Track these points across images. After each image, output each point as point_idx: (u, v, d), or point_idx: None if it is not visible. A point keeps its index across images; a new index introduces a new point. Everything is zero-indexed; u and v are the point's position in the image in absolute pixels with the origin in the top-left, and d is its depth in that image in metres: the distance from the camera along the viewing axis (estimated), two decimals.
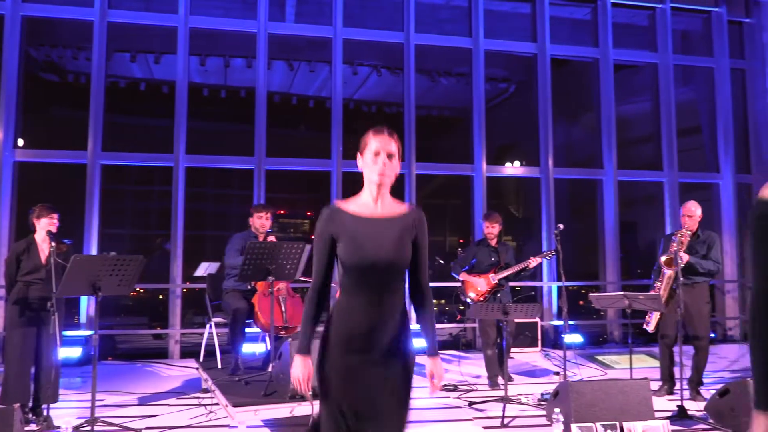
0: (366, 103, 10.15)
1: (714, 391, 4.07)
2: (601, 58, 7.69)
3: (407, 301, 2.09)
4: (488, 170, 7.31)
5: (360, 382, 1.91)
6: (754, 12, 8.02)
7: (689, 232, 4.65)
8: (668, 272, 4.63)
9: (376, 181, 1.98)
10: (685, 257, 4.54)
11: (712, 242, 4.75)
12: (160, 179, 11.43)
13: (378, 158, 1.97)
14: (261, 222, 4.82)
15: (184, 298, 6.67)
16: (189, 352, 6.43)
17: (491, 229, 5.27)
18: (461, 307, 7.50)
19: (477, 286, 5.21)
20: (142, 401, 4.56)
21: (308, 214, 13.19)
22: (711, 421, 3.96)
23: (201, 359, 5.10)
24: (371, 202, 2.01)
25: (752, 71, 8.03)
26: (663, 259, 4.68)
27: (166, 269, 6.58)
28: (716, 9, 7.94)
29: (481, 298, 5.17)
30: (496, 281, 5.17)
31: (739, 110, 8.03)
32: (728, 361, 6.33)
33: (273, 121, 7.10)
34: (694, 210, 4.70)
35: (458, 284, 5.42)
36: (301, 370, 1.96)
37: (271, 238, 4.80)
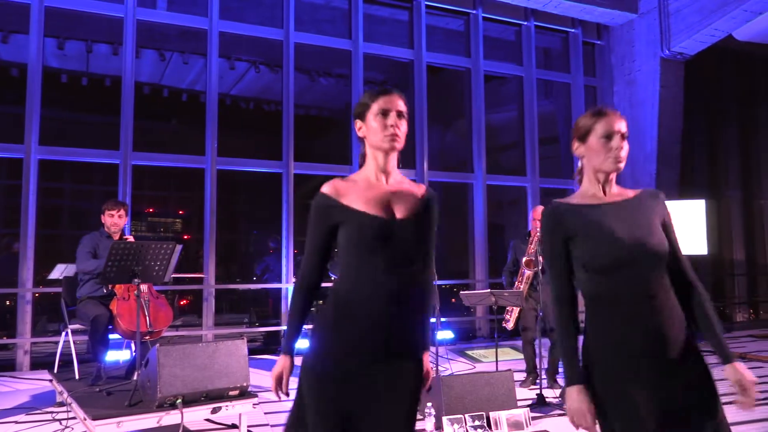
0: (243, 100, 9.87)
1: None
2: (473, 68, 8.12)
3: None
4: None
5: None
6: (604, 35, 8.90)
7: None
8: (528, 272, 5.02)
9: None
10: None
11: None
12: (7, 172, 10.30)
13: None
14: (113, 220, 4.52)
15: (36, 304, 6.06)
16: (41, 363, 5.85)
17: None
18: None
19: None
20: None
21: (180, 212, 12.57)
22: (566, 406, 4.32)
23: (55, 370, 4.66)
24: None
25: (602, 89, 8.90)
26: (524, 260, 5.06)
27: (14, 272, 5.94)
28: (573, 30, 8.70)
29: None
30: None
31: None
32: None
33: (141, 114, 6.67)
34: None
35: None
36: (579, 403, 1.71)
37: (129, 238, 4.52)
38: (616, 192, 1.76)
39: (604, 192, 1.75)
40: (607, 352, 1.67)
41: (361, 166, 1.83)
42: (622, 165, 1.72)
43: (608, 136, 1.70)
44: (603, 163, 1.72)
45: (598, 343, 1.69)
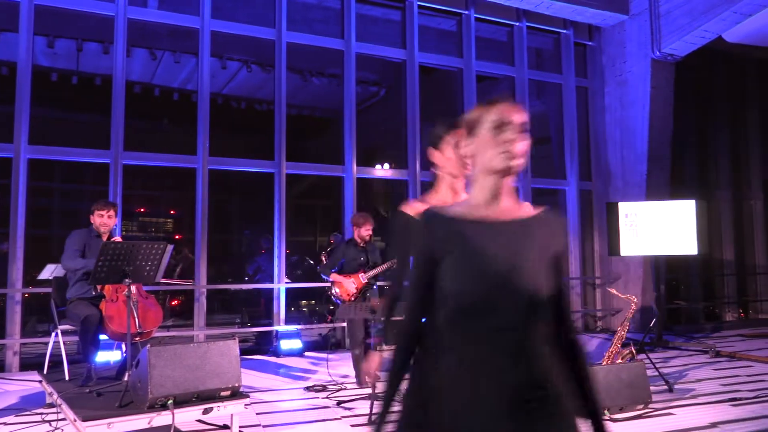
0: (235, 99, 9.85)
1: None
2: (465, 68, 8.13)
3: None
4: (358, 171, 7.42)
5: None
6: (595, 36, 8.93)
7: None
8: None
9: (501, 166, 1.37)
10: None
11: None
12: None
13: (505, 133, 1.37)
14: (102, 221, 4.50)
15: (26, 304, 6.02)
16: (31, 363, 5.80)
17: (365, 233, 5.37)
18: (331, 308, 7.54)
19: (347, 285, 5.27)
20: None
21: (171, 212, 12.51)
22: None
23: (45, 371, 4.62)
24: (488, 201, 1.41)
25: (593, 89, 8.94)
26: None
27: (3, 272, 5.89)
28: (565, 31, 8.73)
29: (352, 298, 5.24)
30: (366, 280, 5.27)
31: (582, 124, 8.90)
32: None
33: (132, 113, 6.64)
34: None
35: (328, 284, 5.45)
36: None
37: (117, 239, 4.50)
38: (510, 206, 1.41)
39: (494, 204, 1.40)
40: (448, 402, 1.33)
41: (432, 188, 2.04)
42: (516, 163, 1.37)
43: (500, 127, 1.38)
44: (492, 160, 1.37)
45: (436, 390, 1.35)
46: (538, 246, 1.37)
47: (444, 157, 1.94)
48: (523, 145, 1.39)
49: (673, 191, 8.38)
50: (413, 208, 1.87)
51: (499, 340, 1.32)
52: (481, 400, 1.31)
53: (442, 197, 1.96)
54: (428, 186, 7.52)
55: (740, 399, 4.61)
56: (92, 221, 4.55)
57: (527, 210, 1.43)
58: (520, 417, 1.30)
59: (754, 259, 9.94)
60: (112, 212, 4.55)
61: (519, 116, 1.41)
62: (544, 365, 1.35)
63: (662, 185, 8.23)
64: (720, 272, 9.63)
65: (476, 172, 1.43)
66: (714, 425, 3.98)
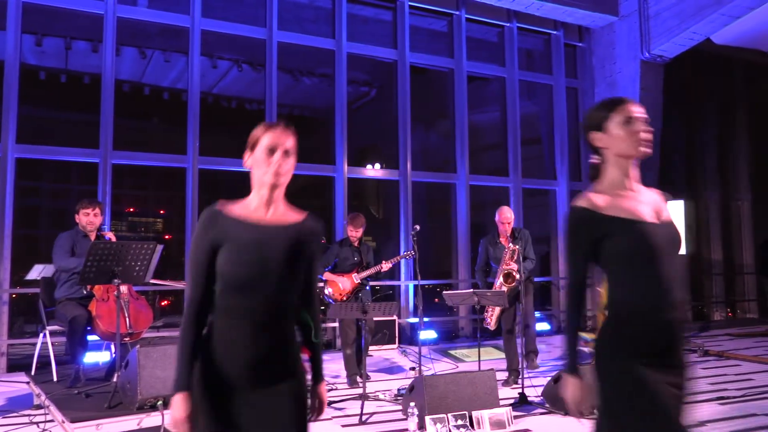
0: (226, 98, 9.80)
1: (549, 378, 4.49)
2: (456, 68, 8.14)
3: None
4: (349, 171, 7.42)
5: (243, 424, 1.70)
6: (585, 37, 8.98)
7: (516, 247, 5.12)
8: (505, 288, 5.06)
9: (270, 181, 1.75)
10: (515, 267, 5.03)
11: (527, 240, 5.33)
12: None
13: (273, 156, 1.75)
14: (88, 219, 4.47)
15: (14, 305, 5.95)
16: (18, 365, 5.74)
17: (355, 233, 5.35)
18: (322, 307, 7.53)
19: (340, 285, 5.27)
20: None
21: (161, 212, 12.45)
22: (547, 405, 4.36)
23: (33, 372, 4.58)
24: (261, 207, 1.78)
25: (583, 90, 8.99)
26: (499, 281, 5.16)
27: None
28: (555, 32, 8.77)
29: (344, 298, 5.24)
30: (359, 281, 5.27)
31: (573, 124, 8.95)
32: (562, 350, 7.02)
33: (122, 112, 6.59)
34: (510, 216, 5.29)
35: (320, 284, 5.44)
36: (179, 411, 1.67)
37: (110, 235, 4.48)
38: (281, 212, 1.80)
39: (267, 208, 1.78)
40: (211, 366, 1.71)
41: (595, 177, 1.92)
42: (280, 179, 1.75)
43: (272, 150, 1.75)
44: (264, 176, 1.75)
45: (210, 351, 1.72)
46: (293, 245, 1.76)
47: (611, 137, 1.83)
48: (287, 166, 1.77)
49: (662, 191, 8.44)
50: (587, 199, 1.81)
51: (252, 315, 1.70)
52: (232, 364, 1.69)
53: (611, 182, 1.85)
54: (421, 186, 7.54)
55: (728, 398, 4.65)
56: (78, 221, 4.51)
57: (293, 216, 1.82)
58: (262, 377, 1.70)
59: (741, 258, 10.03)
60: (97, 210, 4.52)
61: (288, 141, 1.78)
62: (286, 336, 1.77)
63: (650, 185, 8.14)
64: (708, 272, 9.71)
65: (254, 182, 1.80)
66: (702, 424, 4.02)
